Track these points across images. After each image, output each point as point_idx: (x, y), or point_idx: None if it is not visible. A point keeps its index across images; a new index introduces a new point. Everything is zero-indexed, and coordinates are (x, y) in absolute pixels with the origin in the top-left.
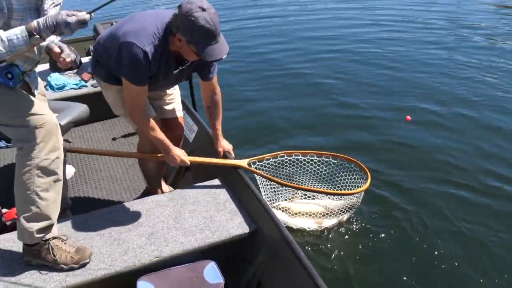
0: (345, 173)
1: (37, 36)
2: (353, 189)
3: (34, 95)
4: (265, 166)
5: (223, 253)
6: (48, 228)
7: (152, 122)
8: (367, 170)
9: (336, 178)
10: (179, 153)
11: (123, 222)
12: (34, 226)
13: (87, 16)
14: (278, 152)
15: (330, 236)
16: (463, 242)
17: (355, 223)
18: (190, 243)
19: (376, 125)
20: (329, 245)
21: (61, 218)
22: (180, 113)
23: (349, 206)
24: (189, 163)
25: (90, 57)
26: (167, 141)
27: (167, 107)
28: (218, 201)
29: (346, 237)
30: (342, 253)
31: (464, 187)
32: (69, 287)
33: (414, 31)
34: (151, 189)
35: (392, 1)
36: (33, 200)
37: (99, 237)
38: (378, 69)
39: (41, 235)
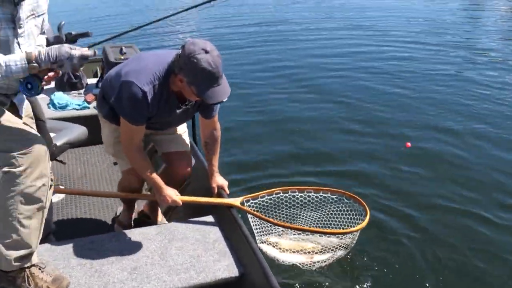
0: (343, 209)
1: (35, 64)
2: (351, 227)
3: (21, 118)
4: (259, 204)
5: None
6: (27, 257)
7: (146, 160)
8: (366, 207)
9: (334, 215)
10: (171, 193)
11: (107, 253)
12: (13, 254)
13: (90, 53)
14: (274, 189)
15: (322, 274)
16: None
17: (350, 259)
18: (173, 282)
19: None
20: (321, 285)
21: (43, 242)
22: (185, 147)
23: (344, 245)
24: (181, 203)
25: (96, 78)
26: (159, 180)
27: (170, 140)
28: (208, 240)
29: (340, 276)
30: None
31: (475, 217)
32: None
33: (428, 52)
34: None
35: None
36: (15, 228)
37: (80, 267)
38: (391, 88)
39: (19, 263)
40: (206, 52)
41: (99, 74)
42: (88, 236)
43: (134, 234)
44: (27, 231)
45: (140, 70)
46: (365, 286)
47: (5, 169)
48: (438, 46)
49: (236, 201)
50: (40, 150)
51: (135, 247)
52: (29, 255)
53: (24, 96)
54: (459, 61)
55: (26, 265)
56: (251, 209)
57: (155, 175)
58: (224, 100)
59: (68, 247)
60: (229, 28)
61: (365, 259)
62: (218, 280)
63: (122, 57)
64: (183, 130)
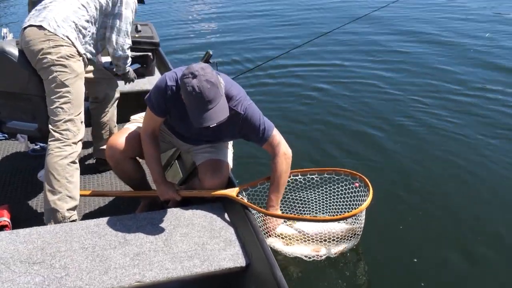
0: (349, 190)
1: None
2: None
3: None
4: (259, 192)
5: (210, 286)
6: (74, 209)
7: (154, 149)
8: (370, 186)
9: (342, 197)
10: (169, 188)
11: (110, 237)
12: (65, 206)
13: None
14: None
15: (331, 268)
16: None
17: (361, 252)
18: (176, 270)
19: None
20: (329, 281)
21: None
22: (219, 156)
23: (350, 231)
24: (179, 198)
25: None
26: (157, 172)
27: (205, 152)
28: (214, 227)
29: (351, 270)
30: None
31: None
32: None
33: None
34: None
35: None
36: (64, 185)
37: (82, 251)
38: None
39: (69, 215)
40: (194, 76)
41: None
42: (92, 219)
43: (139, 218)
44: (72, 186)
45: (177, 69)
46: (373, 279)
47: (59, 138)
48: None
49: (232, 192)
50: (84, 129)
51: (140, 232)
52: (75, 208)
53: None
54: None
55: (73, 219)
56: (246, 200)
57: (156, 167)
58: (209, 125)
59: (71, 229)
60: None
61: (373, 255)
62: (222, 269)
63: (137, 35)
64: (224, 146)
